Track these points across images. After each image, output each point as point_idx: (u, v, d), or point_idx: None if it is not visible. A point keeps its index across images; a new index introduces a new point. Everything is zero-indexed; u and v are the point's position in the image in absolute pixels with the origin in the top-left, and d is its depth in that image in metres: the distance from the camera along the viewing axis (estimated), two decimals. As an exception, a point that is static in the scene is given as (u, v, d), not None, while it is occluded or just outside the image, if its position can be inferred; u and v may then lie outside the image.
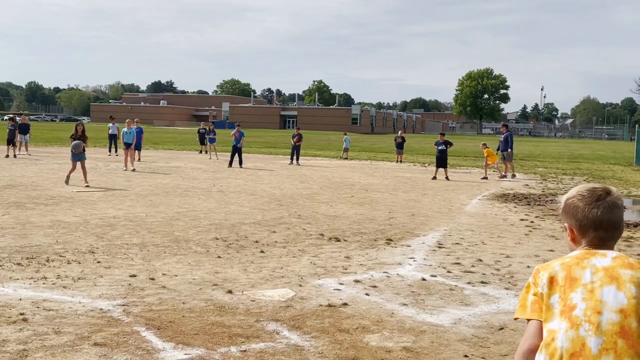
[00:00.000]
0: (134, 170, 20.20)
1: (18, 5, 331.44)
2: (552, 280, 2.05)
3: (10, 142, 24.44)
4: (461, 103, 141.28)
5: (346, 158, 31.21)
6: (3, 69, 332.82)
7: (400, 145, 29.97)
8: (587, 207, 2.11)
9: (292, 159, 26.02)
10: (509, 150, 21.95)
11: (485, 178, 21.41)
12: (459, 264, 7.98)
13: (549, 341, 1.98)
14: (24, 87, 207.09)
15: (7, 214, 10.59)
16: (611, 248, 2.12)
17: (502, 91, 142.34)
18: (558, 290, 2.03)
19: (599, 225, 2.10)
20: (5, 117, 27.99)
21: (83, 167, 15.37)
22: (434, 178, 20.64)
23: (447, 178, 20.58)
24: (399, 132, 33.09)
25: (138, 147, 24.78)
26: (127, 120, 22.76)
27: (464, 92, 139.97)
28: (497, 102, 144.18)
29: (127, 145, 21.25)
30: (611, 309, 1.94)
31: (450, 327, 5.43)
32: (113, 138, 27.96)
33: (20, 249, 7.91)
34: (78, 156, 15.37)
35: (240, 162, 23.16)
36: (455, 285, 6.87)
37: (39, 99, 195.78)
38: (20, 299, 5.74)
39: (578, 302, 1.98)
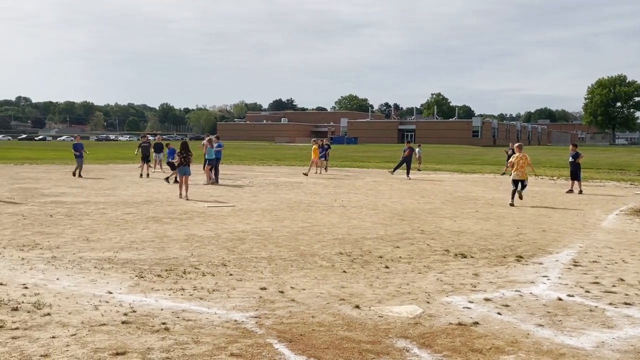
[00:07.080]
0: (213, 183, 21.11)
1: (145, 33, 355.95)
2: None
3: (146, 158, 26.08)
4: (591, 112, 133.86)
5: (419, 169, 31.24)
6: (139, 92, 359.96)
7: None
8: None
9: (407, 172, 26.26)
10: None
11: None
12: (598, 283, 7.48)
13: None
14: (157, 108, 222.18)
15: (147, 228, 11.33)
16: None
17: (636, 98, 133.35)
18: None
19: None
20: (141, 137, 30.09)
21: (186, 182, 16.47)
22: (570, 191, 19.71)
23: (580, 192, 19.54)
24: (510, 144, 31.98)
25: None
26: (208, 138, 23.28)
27: (594, 100, 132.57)
28: (632, 110, 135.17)
29: (209, 162, 21.98)
30: None
31: (592, 351, 5.09)
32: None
33: (160, 261, 8.42)
34: (184, 170, 16.46)
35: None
36: (596, 306, 6.44)
37: (171, 119, 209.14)
38: (162, 309, 6.09)
39: None
